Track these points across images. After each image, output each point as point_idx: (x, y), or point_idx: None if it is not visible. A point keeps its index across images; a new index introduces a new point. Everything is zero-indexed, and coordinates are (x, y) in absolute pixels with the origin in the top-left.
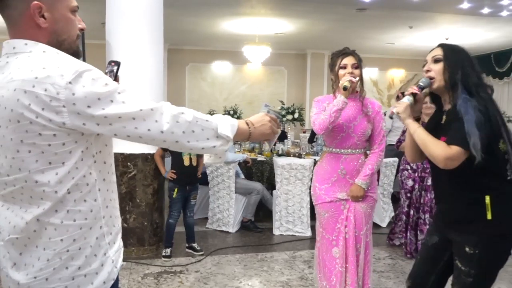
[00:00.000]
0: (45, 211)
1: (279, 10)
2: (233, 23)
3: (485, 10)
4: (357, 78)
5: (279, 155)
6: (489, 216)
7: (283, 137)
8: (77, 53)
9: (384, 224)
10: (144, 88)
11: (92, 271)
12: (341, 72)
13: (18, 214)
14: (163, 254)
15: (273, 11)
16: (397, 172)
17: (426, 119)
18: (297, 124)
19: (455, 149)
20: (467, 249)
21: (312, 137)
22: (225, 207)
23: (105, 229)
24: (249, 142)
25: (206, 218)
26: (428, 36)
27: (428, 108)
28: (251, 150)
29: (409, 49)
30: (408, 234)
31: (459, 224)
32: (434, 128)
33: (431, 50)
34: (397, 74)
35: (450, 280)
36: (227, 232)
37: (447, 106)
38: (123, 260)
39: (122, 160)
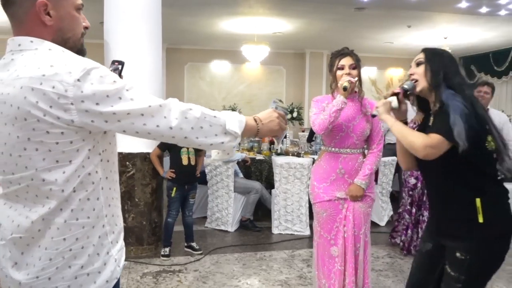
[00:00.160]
0: (51, 210)
1: (278, 10)
2: (232, 23)
3: (483, 9)
4: (356, 79)
5: (278, 154)
6: (480, 219)
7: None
8: (81, 51)
9: (382, 223)
10: (142, 88)
11: (95, 270)
12: (339, 73)
13: (22, 213)
14: (162, 253)
15: (272, 10)
16: (396, 171)
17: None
18: (295, 123)
19: (434, 137)
20: (457, 254)
21: (311, 136)
22: (224, 206)
23: (108, 228)
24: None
25: (205, 217)
26: (427, 35)
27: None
28: (250, 149)
29: (408, 48)
30: (409, 231)
31: (451, 229)
32: (423, 130)
33: (416, 56)
34: (396, 73)
35: None
36: (226, 231)
37: (433, 108)
38: None
39: (121, 159)
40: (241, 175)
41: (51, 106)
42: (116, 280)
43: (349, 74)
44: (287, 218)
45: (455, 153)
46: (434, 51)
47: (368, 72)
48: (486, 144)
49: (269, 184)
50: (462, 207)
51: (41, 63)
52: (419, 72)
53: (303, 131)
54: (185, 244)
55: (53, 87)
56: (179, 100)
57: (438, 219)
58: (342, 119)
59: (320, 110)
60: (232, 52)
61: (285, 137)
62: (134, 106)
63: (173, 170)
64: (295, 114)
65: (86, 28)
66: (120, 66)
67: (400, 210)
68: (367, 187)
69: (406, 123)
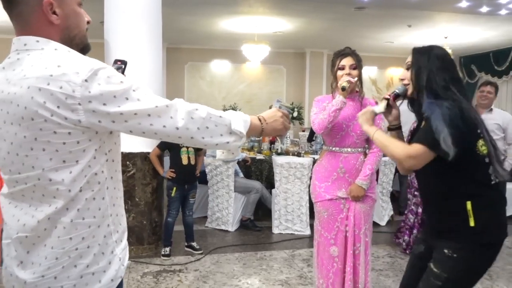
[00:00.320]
0: (58, 210)
1: (278, 9)
2: (232, 22)
3: (484, 9)
4: (356, 79)
5: (278, 154)
6: (472, 223)
7: None
8: (87, 46)
9: (383, 223)
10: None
11: (99, 269)
12: (339, 73)
13: (28, 212)
14: (162, 253)
15: (272, 9)
16: (396, 171)
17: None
18: (296, 122)
19: (415, 147)
20: (445, 251)
21: (311, 136)
22: (224, 206)
23: (112, 227)
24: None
25: (205, 217)
26: (427, 34)
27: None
28: (250, 149)
29: (408, 47)
30: (415, 231)
31: (443, 232)
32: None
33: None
34: (396, 73)
35: None
36: (226, 231)
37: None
38: None
39: (121, 159)
40: (241, 174)
41: (58, 106)
42: (120, 279)
43: (349, 74)
44: (287, 217)
45: (444, 158)
46: (421, 52)
47: (368, 72)
48: (477, 149)
49: (270, 184)
50: (453, 210)
51: (48, 63)
52: (408, 76)
53: (303, 131)
54: (186, 244)
55: (61, 87)
56: None
57: (430, 221)
58: (342, 119)
59: (320, 110)
60: (232, 51)
61: (286, 136)
62: (141, 106)
63: (173, 170)
64: (295, 114)
65: (88, 22)
66: (123, 66)
67: (405, 211)
68: (368, 187)
69: (400, 127)
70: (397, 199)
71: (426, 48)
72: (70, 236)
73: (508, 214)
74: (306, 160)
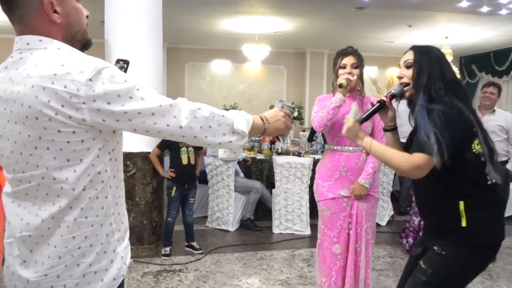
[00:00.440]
0: (61, 209)
1: (278, 9)
2: (232, 22)
3: (484, 9)
4: (355, 77)
5: (279, 154)
6: (463, 223)
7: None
8: (89, 42)
9: (383, 223)
10: None
11: (102, 268)
12: (341, 71)
13: (32, 211)
14: (163, 252)
15: (272, 9)
16: None
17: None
18: (296, 122)
19: (418, 156)
20: (435, 248)
21: (312, 136)
22: (225, 206)
23: (115, 226)
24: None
25: (206, 217)
26: (427, 34)
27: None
28: (251, 149)
29: (408, 47)
30: (421, 233)
31: (437, 232)
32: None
33: (404, 54)
34: (396, 73)
35: None
36: (227, 231)
37: None
38: None
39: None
40: (241, 174)
41: (63, 105)
42: (122, 278)
43: (350, 73)
44: (287, 217)
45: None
46: (422, 51)
47: (368, 72)
48: (472, 148)
49: (270, 184)
50: (447, 210)
51: (52, 62)
52: (410, 76)
53: (303, 131)
54: (186, 244)
55: (65, 86)
56: None
57: (425, 221)
58: (342, 117)
59: (321, 109)
60: (233, 51)
61: (288, 136)
62: (145, 105)
63: (173, 170)
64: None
65: (87, 17)
66: (125, 65)
67: (410, 211)
68: (370, 186)
69: (395, 128)
70: (397, 199)
71: (426, 47)
72: (73, 235)
73: (508, 214)
74: (307, 160)
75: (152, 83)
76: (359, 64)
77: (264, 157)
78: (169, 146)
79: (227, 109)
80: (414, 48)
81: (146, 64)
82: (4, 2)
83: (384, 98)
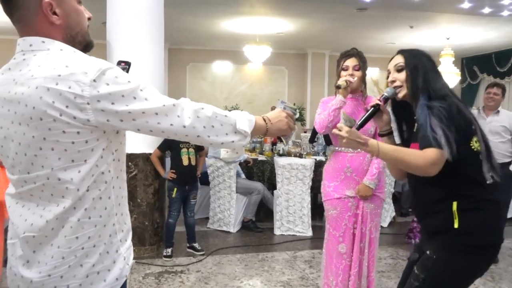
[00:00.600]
0: (66, 209)
1: (279, 10)
2: (234, 23)
3: (486, 10)
4: (355, 78)
5: (280, 155)
6: (455, 225)
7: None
8: (90, 44)
9: (385, 224)
10: None
11: (104, 268)
12: (343, 73)
13: (36, 212)
14: (164, 254)
15: (273, 10)
16: None
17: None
18: (298, 124)
19: (430, 152)
20: (428, 252)
21: (313, 137)
22: (226, 207)
23: (117, 227)
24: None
25: (207, 218)
26: (429, 35)
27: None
28: (252, 150)
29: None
30: None
31: (431, 234)
32: (410, 137)
33: (391, 59)
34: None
35: None
36: (228, 232)
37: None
38: None
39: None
40: (243, 176)
41: (67, 106)
42: (125, 278)
43: (351, 75)
44: (289, 219)
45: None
46: (413, 53)
47: (370, 73)
48: (471, 145)
49: (271, 185)
50: (441, 211)
51: (55, 63)
52: (402, 78)
53: (305, 132)
54: (187, 245)
55: (69, 87)
56: None
57: (420, 222)
58: None
59: (324, 111)
60: (234, 52)
61: (290, 137)
62: (148, 105)
63: (174, 171)
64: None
65: (89, 19)
66: (127, 67)
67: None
68: (375, 186)
69: (391, 132)
70: (399, 200)
71: (413, 50)
72: (77, 236)
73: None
74: (308, 161)
75: (154, 84)
76: (362, 66)
77: (265, 158)
78: (169, 147)
79: (228, 110)
80: (402, 52)
81: (147, 65)
82: (4, 2)
83: (379, 102)
